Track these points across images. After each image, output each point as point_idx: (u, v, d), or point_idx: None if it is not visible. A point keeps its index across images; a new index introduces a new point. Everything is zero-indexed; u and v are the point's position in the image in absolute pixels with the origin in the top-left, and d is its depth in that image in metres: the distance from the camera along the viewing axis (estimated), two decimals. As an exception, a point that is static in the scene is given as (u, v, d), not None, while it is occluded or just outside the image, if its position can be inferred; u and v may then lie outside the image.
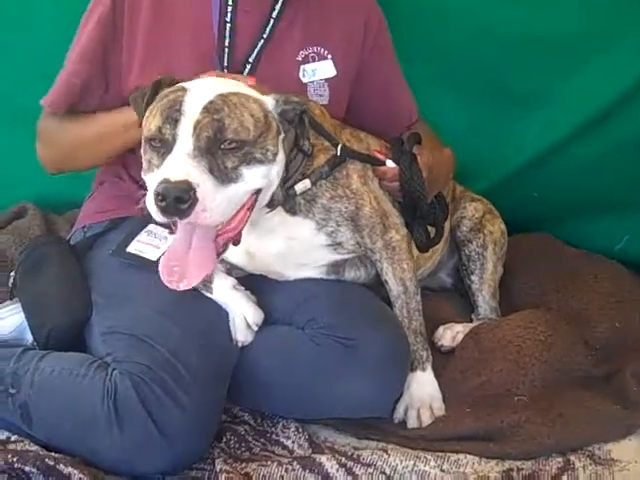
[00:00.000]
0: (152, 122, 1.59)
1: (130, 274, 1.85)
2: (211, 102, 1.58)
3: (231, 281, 1.85)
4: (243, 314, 1.82)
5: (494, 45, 2.39)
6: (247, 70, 1.95)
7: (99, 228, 2.02)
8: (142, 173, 1.65)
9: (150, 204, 1.53)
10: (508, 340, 1.98)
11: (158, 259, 1.80)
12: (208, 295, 1.85)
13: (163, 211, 1.51)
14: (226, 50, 1.95)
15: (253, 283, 1.90)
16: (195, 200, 1.50)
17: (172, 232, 1.84)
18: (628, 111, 2.36)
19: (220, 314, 1.83)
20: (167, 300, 1.78)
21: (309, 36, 2.04)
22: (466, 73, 2.47)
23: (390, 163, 1.91)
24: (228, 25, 1.95)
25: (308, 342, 1.78)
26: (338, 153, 1.80)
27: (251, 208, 1.65)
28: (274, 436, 1.82)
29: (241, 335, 1.82)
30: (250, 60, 1.96)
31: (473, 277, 2.19)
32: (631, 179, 2.49)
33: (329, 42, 2.05)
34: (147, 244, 1.88)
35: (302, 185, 1.76)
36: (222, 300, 1.84)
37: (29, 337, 1.88)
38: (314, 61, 2.04)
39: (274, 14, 1.98)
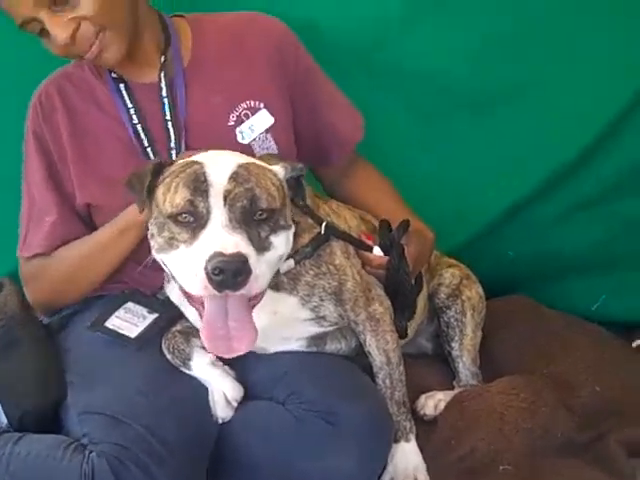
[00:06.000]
0: (176, 197, 1.55)
1: (106, 351, 1.82)
2: (236, 172, 1.57)
3: (209, 357, 1.82)
4: (222, 390, 1.79)
5: (458, 97, 2.37)
6: (174, 156, 1.90)
7: (74, 307, 1.99)
8: (155, 251, 1.63)
9: (193, 280, 1.50)
10: (491, 408, 1.95)
11: (136, 336, 1.82)
12: (187, 372, 1.82)
13: (219, 285, 1.48)
14: (148, 149, 1.93)
15: (231, 357, 1.86)
16: (249, 271, 1.49)
17: (151, 311, 1.88)
18: (597, 166, 2.39)
19: (199, 390, 1.80)
20: (144, 377, 1.76)
21: (232, 95, 1.97)
22: (428, 126, 2.44)
23: (377, 250, 1.89)
24: (139, 126, 1.93)
25: (289, 417, 1.75)
26: (322, 231, 1.78)
27: None
28: (255, 514, 1.77)
29: (221, 411, 1.79)
30: (172, 145, 1.92)
31: (453, 344, 2.17)
32: (605, 237, 2.51)
33: (255, 91, 1.98)
34: (125, 321, 1.85)
35: (286, 265, 1.73)
36: (201, 376, 1.82)
37: (4, 419, 1.82)
38: (248, 118, 1.98)
39: (163, 92, 1.94)
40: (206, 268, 1.48)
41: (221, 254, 1.47)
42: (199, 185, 1.55)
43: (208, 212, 1.53)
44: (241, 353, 1.58)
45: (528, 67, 2.33)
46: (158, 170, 1.65)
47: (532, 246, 2.58)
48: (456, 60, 2.32)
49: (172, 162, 1.67)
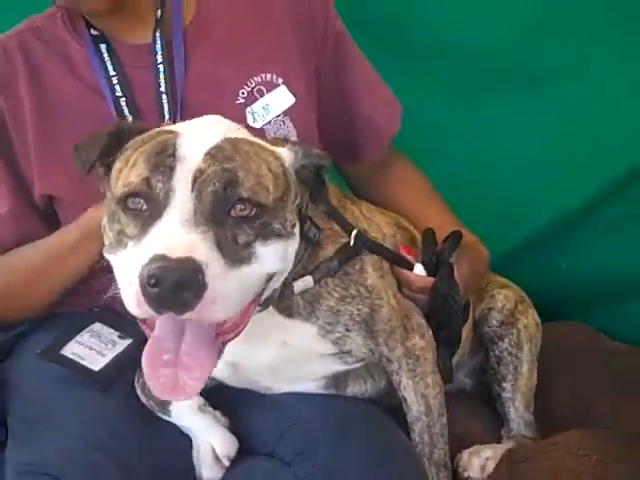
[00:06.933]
0: (131, 173, 1.19)
1: (60, 388, 1.49)
2: (217, 147, 1.19)
3: (196, 401, 1.48)
4: (210, 443, 1.48)
5: (505, 79, 2.11)
6: None
7: (25, 324, 1.65)
8: (104, 250, 1.24)
9: (127, 292, 1.11)
10: (555, 472, 1.57)
11: (101, 370, 1.49)
12: (165, 418, 1.49)
13: (155, 301, 1.07)
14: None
15: (226, 395, 1.53)
16: (203, 287, 1.08)
17: (123, 335, 1.54)
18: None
19: (179, 443, 1.50)
20: (106, 428, 1.43)
21: (244, 66, 1.64)
22: (470, 112, 2.18)
23: (420, 269, 1.56)
24: (123, 100, 1.58)
25: (297, 484, 1.39)
26: (352, 242, 1.41)
27: (258, 300, 1.24)
28: None
29: (207, 471, 1.47)
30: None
31: (505, 384, 1.81)
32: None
33: (273, 61, 1.67)
34: (88, 348, 1.53)
35: (302, 283, 1.36)
36: (184, 425, 1.49)
37: None
38: (262, 95, 1.64)
39: (157, 57, 1.58)
40: (141, 275, 1.07)
41: (163, 257, 1.07)
42: (163, 160, 1.16)
43: (167, 197, 1.14)
44: (184, 398, 1.20)
45: (592, 41, 2.04)
46: (119, 138, 1.27)
47: (586, 261, 2.29)
48: (506, 33, 2.06)
49: (142, 129, 1.29)
